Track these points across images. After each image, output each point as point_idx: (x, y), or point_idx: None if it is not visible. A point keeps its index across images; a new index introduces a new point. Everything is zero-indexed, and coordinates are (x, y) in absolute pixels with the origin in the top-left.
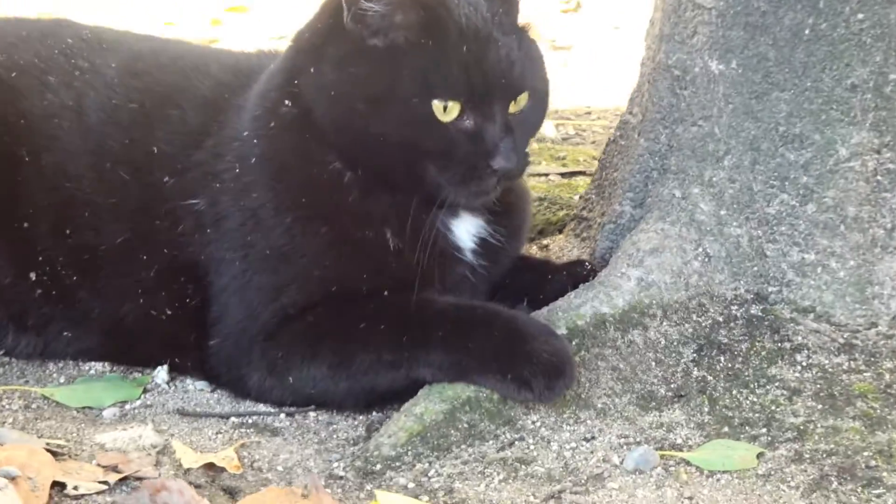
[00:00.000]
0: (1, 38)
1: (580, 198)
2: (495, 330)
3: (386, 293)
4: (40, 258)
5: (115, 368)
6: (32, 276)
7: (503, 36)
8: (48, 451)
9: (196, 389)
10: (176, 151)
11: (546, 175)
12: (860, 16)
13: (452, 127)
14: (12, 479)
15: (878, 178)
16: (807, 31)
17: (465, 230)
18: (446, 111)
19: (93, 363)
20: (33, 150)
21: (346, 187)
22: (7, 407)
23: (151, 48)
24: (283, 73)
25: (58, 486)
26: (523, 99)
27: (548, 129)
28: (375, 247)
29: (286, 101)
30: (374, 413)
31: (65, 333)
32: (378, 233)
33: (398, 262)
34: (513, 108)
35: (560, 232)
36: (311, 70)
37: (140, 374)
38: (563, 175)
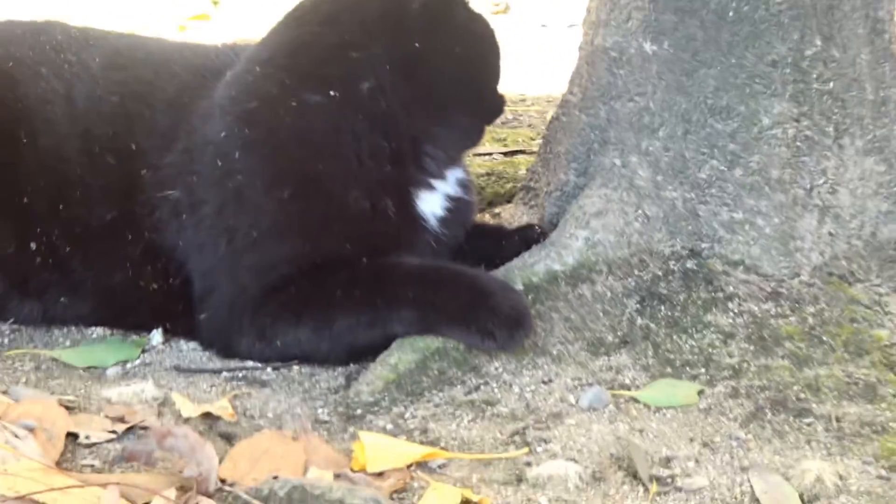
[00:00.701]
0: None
1: (527, 170)
2: (459, 287)
3: (361, 259)
4: (38, 230)
5: (114, 332)
6: (32, 245)
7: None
8: (61, 405)
9: (189, 349)
10: (149, 149)
11: (490, 154)
12: None
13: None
14: (31, 430)
15: (798, 143)
16: (731, 14)
17: (433, 202)
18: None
19: (95, 328)
20: (30, 132)
21: (379, 160)
22: (20, 368)
23: (130, 44)
24: (301, 69)
25: (71, 436)
26: None
27: None
28: (364, 219)
29: (323, 91)
30: (351, 366)
31: (62, 299)
32: (382, 203)
33: (377, 230)
34: None
35: (509, 202)
36: (416, 45)
37: (137, 337)
38: (504, 154)
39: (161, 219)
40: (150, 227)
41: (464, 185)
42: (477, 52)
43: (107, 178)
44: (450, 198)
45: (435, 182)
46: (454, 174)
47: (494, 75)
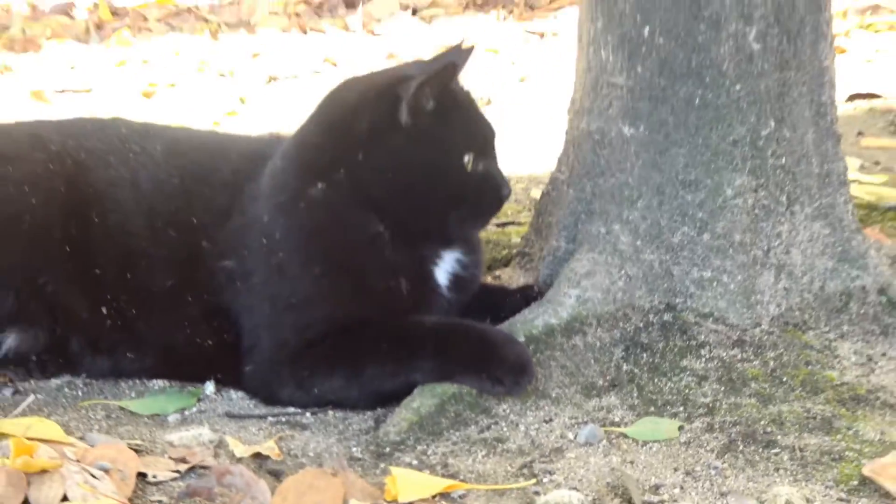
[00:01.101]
0: (73, 130)
1: (521, 238)
2: (470, 340)
3: (385, 320)
4: (109, 296)
5: (173, 383)
6: (104, 310)
7: (473, 102)
8: (130, 448)
9: (238, 397)
10: (208, 223)
11: None
12: (738, 86)
13: (474, 172)
14: (106, 471)
15: (756, 211)
16: (697, 101)
17: (443, 273)
18: (469, 162)
19: (156, 380)
20: (101, 213)
21: (378, 247)
22: (93, 417)
23: (187, 135)
24: (306, 164)
25: (140, 475)
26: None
27: None
28: (390, 290)
29: (318, 185)
30: (379, 410)
31: (129, 355)
32: (395, 280)
33: (402, 297)
34: None
35: (506, 266)
36: (359, 156)
37: (193, 388)
38: (497, 225)
39: (218, 284)
40: (208, 292)
41: (461, 263)
42: (416, 170)
43: (169, 249)
44: (454, 269)
45: (438, 258)
46: (452, 254)
47: (440, 192)
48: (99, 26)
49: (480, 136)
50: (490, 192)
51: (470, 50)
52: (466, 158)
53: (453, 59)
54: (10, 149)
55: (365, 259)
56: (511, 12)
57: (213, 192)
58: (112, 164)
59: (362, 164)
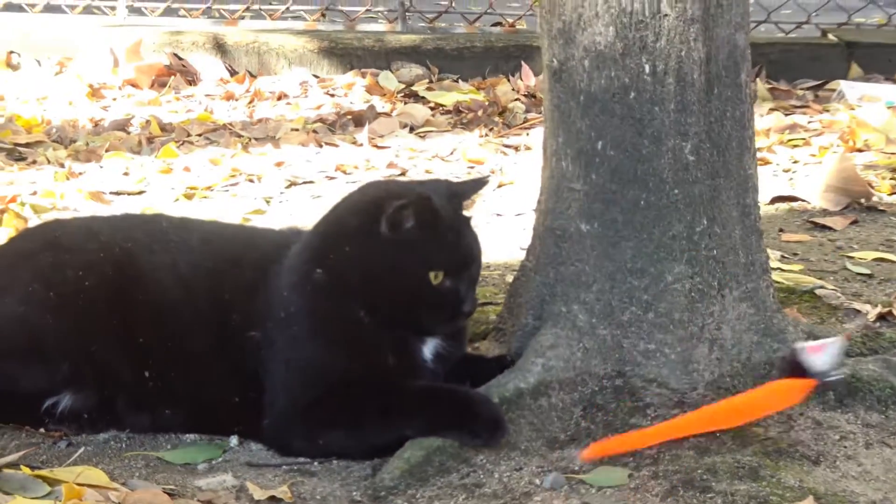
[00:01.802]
0: (121, 224)
1: (497, 317)
2: (453, 401)
3: (380, 384)
4: (150, 362)
5: (202, 437)
6: (146, 373)
7: (465, 228)
8: (164, 493)
9: (257, 449)
10: (238, 300)
11: None
12: (676, 191)
13: (439, 287)
14: None
15: (692, 294)
16: (642, 202)
17: (428, 349)
18: (436, 277)
19: (188, 434)
20: (145, 291)
21: (365, 327)
22: (134, 465)
23: (219, 227)
24: (313, 251)
25: None
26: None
27: None
28: (378, 362)
29: (318, 270)
30: (375, 459)
31: (166, 412)
32: (382, 354)
33: (390, 368)
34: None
35: (484, 339)
36: (346, 250)
37: (220, 440)
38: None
39: (246, 351)
40: (237, 357)
41: (443, 345)
42: (385, 274)
43: (204, 321)
44: (437, 348)
45: (422, 340)
46: (433, 341)
47: (404, 297)
48: (150, 140)
49: (456, 258)
50: (451, 306)
51: (485, 181)
52: (433, 274)
53: (464, 188)
54: (67, 240)
55: (351, 336)
56: (491, 130)
57: (243, 273)
58: (155, 251)
59: (347, 257)
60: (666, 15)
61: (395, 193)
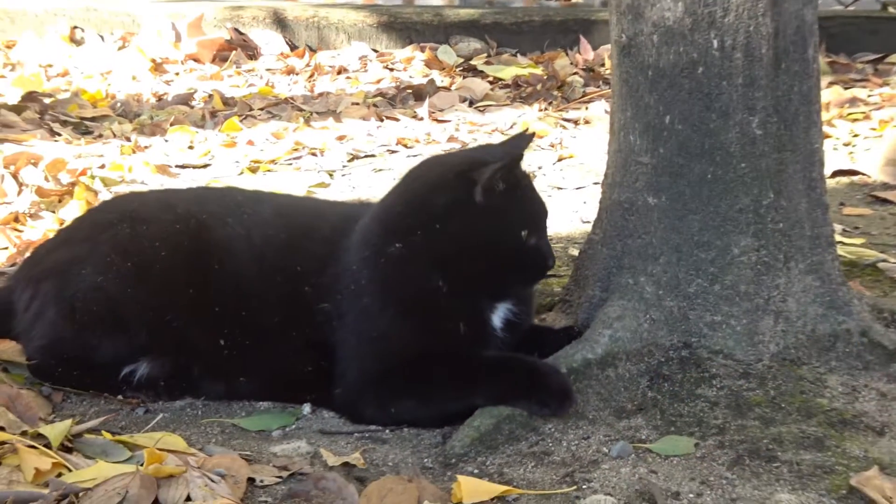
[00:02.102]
0: (195, 197)
1: (563, 288)
2: (522, 371)
3: (450, 354)
4: (225, 330)
5: (276, 405)
6: (221, 341)
7: (533, 185)
8: (241, 458)
9: (330, 416)
10: (310, 271)
11: None
12: (743, 164)
13: (528, 245)
14: (222, 476)
15: (758, 267)
16: (709, 176)
17: (498, 318)
18: (524, 236)
19: (262, 402)
20: (221, 262)
21: (442, 296)
22: (210, 432)
23: (291, 201)
24: (388, 227)
25: (250, 480)
26: None
27: None
28: (451, 330)
29: (396, 245)
30: (445, 427)
31: (241, 379)
32: (455, 323)
33: (461, 337)
34: None
35: (550, 310)
36: (436, 227)
37: (293, 408)
38: None
39: (317, 322)
40: (309, 327)
41: (513, 311)
42: (483, 241)
43: (277, 291)
44: (507, 316)
45: (493, 308)
46: (505, 305)
47: (499, 261)
48: (213, 114)
49: (536, 215)
50: (538, 262)
51: (531, 136)
52: (524, 233)
53: (519, 147)
54: (144, 212)
55: (426, 306)
56: (550, 104)
57: (314, 245)
58: (229, 223)
59: (438, 232)
60: None
61: (480, 161)
